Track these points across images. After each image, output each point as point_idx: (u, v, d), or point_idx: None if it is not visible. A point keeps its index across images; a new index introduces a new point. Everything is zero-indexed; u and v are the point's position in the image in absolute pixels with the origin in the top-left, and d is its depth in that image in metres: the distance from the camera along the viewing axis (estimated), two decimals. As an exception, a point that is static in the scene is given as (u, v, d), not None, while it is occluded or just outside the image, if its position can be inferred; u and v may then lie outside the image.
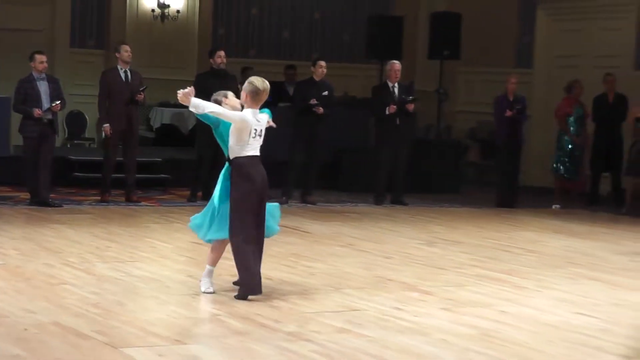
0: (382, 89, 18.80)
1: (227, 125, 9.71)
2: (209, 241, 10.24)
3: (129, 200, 17.14)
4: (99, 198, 17.17)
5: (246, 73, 21.02)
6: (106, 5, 22.26)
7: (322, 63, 18.31)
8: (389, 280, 11.52)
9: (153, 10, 22.33)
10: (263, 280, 10.14)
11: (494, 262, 13.22)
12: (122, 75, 17.12)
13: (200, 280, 10.05)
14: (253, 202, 9.68)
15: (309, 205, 18.06)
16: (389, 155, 18.44)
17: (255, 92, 9.69)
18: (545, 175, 21.21)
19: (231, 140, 9.65)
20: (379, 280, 11.42)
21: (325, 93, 18.14)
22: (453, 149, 21.76)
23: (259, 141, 9.75)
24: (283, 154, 18.51)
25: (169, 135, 21.67)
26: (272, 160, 18.88)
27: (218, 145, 17.47)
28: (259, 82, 9.77)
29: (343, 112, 19.17)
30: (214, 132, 10.08)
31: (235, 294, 9.78)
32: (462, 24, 21.98)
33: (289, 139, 18.28)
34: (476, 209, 18.65)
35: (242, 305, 9.78)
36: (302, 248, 13.66)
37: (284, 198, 17.99)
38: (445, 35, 21.95)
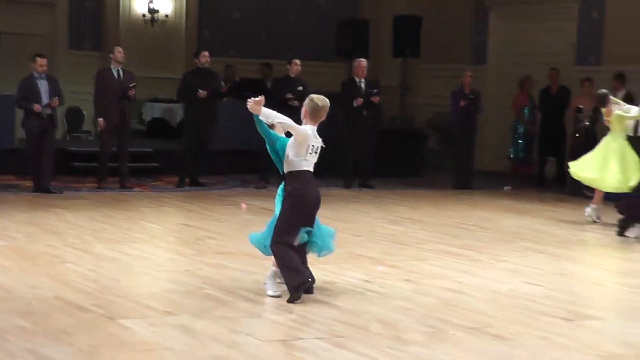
0: (350, 84, 18.85)
1: (284, 143, 9.09)
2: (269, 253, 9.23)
3: (123, 186, 17.13)
4: (95, 185, 17.20)
5: (228, 70, 21.12)
6: (101, 11, 22.22)
7: (297, 61, 18.40)
8: (359, 255, 11.55)
9: (144, 15, 22.31)
10: (248, 258, 10.21)
11: (452, 238, 13.26)
12: (116, 74, 17.15)
13: (264, 283, 9.13)
14: (303, 215, 8.99)
15: (285, 189, 18.03)
16: (356, 144, 18.51)
17: (315, 109, 9.02)
18: (497, 160, 21.30)
19: (289, 154, 8.96)
20: (349, 256, 11.44)
21: (300, 88, 18.15)
22: (414, 138, 21.80)
23: (315, 158, 9.07)
24: (262, 145, 18.45)
25: (159, 128, 21.64)
26: (251, 149, 19.09)
27: (202, 136, 17.72)
28: (320, 100, 9.06)
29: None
30: (268, 147, 9.38)
31: (287, 297, 8.79)
32: (422, 25, 22.02)
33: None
34: (436, 191, 18.68)
35: (227, 280, 9.81)
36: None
37: (262, 183, 18.04)
38: (407, 36, 22.00)
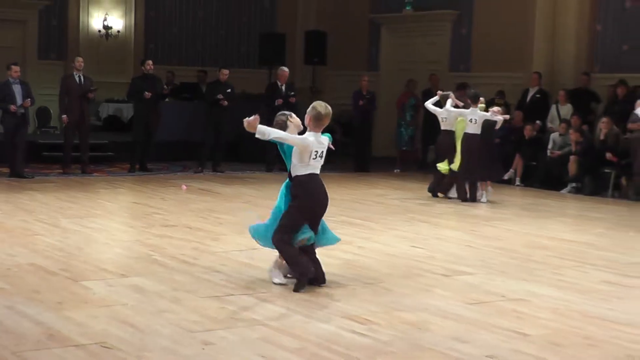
0: (273, 87, 18.90)
1: (290, 146, 8.12)
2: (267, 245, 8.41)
3: (84, 172, 16.97)
4: (61, 171, 17.01)
5: (169, 76, 21.03)
6: (64, 27, 21.97)
7: (225, 71, 18.45)
8: (277, 226, 11.59)
9: (99, 31, 22.12)
10: (188, 230, 10.17)
11: (353, 211, 13.32)
12: (77, 79, 17.05)
13: (270, 271, 8.28)
14: (307, 216, 8.07)
15: (218, 173, 18.01)
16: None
17: (317, 117, 7.99)
18: (389, 148, 21.40)
19: (294, 160, 8.03)
20: (270, 227, 11.47)
21: (229, 90, 18.26)
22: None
23: (320, 162, 8.14)
24: (198, 136, 18.56)
25: (113, 123, 21.47)
26: (190, 141, 19.09)
27: (149, 130, 17.68)
28: (322, 107, 8.07)
29: (242, 104, 19.22)
30: (278, 147, 8.39)
31: (292, 287, 7.95)
32: (328, 39, 22.08)
33: (202, 125, 18.42)
34: (340, 173, 18.72)
35: (169, 247, 9.78)
36: (214, 205, 13.64)
37: (199, 169, 18.07)
38: (316, 47, 22.03)
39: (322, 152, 8.12)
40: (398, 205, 14.47)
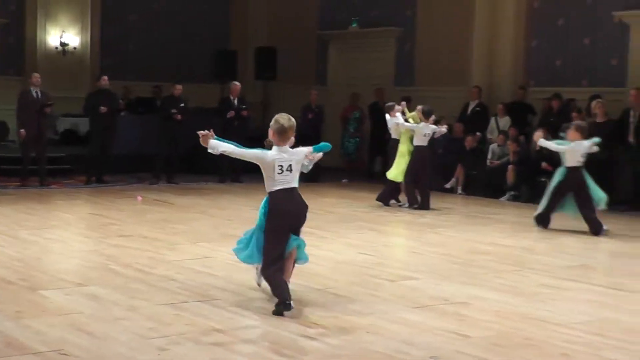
0: (226, 101, 18.86)
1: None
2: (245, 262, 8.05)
3: (42, 184, 16.77)
4: (19, 183, 16.79)
5: (125, 90, 20.92)
6: (22, 44, 21.79)
7: (179, 86, 18.41)
8: (230, 235, 11.49)
9: (56, 47, 21.90)
10: (143, 240, 10.08)
11: (306, 220, 13.32)
12: (34, 94, 16.88)
13: (258, 276, 7.97)
14: (282, 232, 7.47)
15: (173, 184, 17.91)
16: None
17: (281, 130, 7.40)
18: (336, 159, 21.42)
19: (264, 176, 7.51)
20: (223, 236, 11.42)
21: (182, 105, 18.19)
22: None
23: (291, 175, 7.48)
24: (153, 149, 18.46)
25: (70, 137, 21.25)
26: (145, 154, 18.95)
27: (105, 143, 17.58)
28: (285, 120, 7.47)
29: (196, 118, 19.21)
30: None
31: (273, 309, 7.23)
32: (278, 55, 22.11)
33: (157, 138, 18.34)
34: (337, 184, 18.69)
35: (126, 257, 9.69)
36: (169, 215, 13.56)
37: (154, 180, 17.98)
38: (266, 63, 22.10)
39: (290, 165, 7.47)
40: (347, 213, 14.48)
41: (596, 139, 12.89)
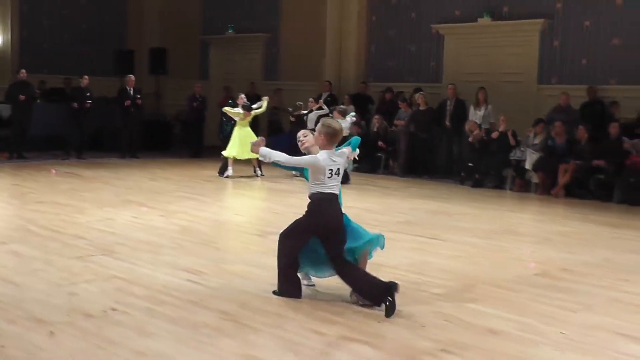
0: (123, 91, 18.43)
1: (306, 170, 6.29)
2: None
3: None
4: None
5: (41, 82, 20.23)
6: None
7: (86, 77, 18.00)
8: (130, 201, 11.39)
9: (-18, 46, 21.16)
10: (57, 205, 9.85)
11: (189, 188, 13.24)
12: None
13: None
14: (315, 232, 6.13)
15: (81, 160, 17.50)
16: (128, 129, 18.27)
17: (332, 134, 6.03)
18: (216, 139, 21.24)
19: (310, 179, 6.16)
20: (124, 202, 11.28)
21: (89, 94, 17.82)
22: (165, 126, 21.60)
23: (337, 179, 6.15)
24: (64, 130, 18.03)
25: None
26: (57, 134, 18.45)
27: (24, 126, 17.05)
28: (336, 124, 6.16)
29: (102, 105, 18.86)
30: (303, 170, 6.60)
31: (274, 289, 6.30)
32: (168, 54, 21.79)
33: (68, 121, 17.93)
34: (179, 159, 18.55)
35: (42, 220, 9.45)
36: (78, 185, 13.24)
37: (65, 156, 17.59)
38: (158, 61, 21.73)
39: (338, 169, 6.13)
40: (226, 182, 14.45)
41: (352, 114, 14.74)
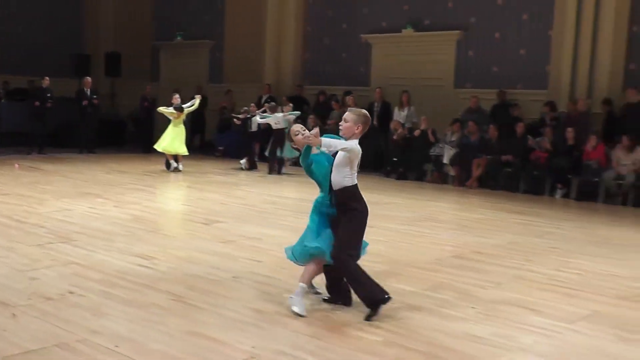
0: (81, 92, 18.11)
1: (321, 164, 5.40)
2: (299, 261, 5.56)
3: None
4: None
5: (5, 84, 19.71)
6: None
7: (47, 78, 17.65)
8: (87, 193, 11.18)
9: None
10: (20, 197, 9.58)
11: (142, 180, 13.06)
12: None
13: (290, 297, 5.35)
14: (364, 229, 5.33)
15: (42, 155, 17.11)
16: (86, 127, 17.96)
17: (367, 123, 5.28)
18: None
19: (343, 171, 5.22)
20: (82, 194, 11.05)
21: (49, 95, 17.44)
22: (120, 124, 21.30)
23: None
24: (27, 127, 17.58)
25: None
26: (20, 131, 17.98)
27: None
28: (367, 113, 5.38)
29: (60, 104, 18.44)
30: (306, 167, 5.41)
31: (365, 315, 5.18)
32: (122, 58, 21.45)
33: (31, 120, 17.51)
34: (134, 154, 18.30)
35: (5, 210, 9.19)
36: (39, 178, 12.93)
37: (28, 151, 17.18)
38: (113, 64, 21.39)
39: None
40: (176, 176, 14.29)
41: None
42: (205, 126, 20.24)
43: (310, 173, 5.45)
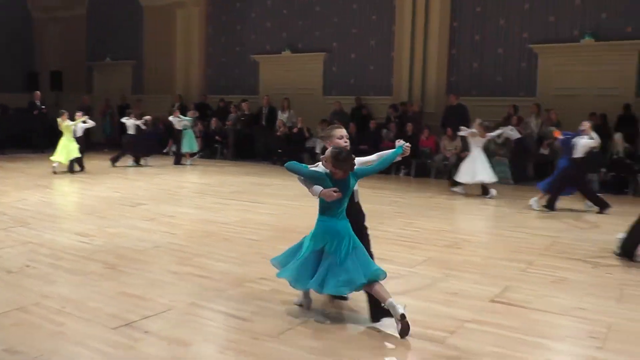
0: (32, 104, 17.20)
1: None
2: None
3: None
4: None
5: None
6: None
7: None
8: (39, 185, 10.72)
9: None
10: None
11: (83, 174, 12.66)
12: None
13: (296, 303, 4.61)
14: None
15: (3, 155, 16.26)
16: (37, 131, 17.19)
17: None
18: (101, 137, 20.34)
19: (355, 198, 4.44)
20: (36, 186, 10.57)
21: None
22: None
23: None
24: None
25: None
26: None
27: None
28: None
29: (14, 114, 17.45)
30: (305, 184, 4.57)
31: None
32: (63, 75, 20.50)
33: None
34: (99, 153, 17.54)
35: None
36: (1, 174, 12.39)
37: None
38: (57, 80, 20.37)
39: None
40: (110, 169, 13.86)
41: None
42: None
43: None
